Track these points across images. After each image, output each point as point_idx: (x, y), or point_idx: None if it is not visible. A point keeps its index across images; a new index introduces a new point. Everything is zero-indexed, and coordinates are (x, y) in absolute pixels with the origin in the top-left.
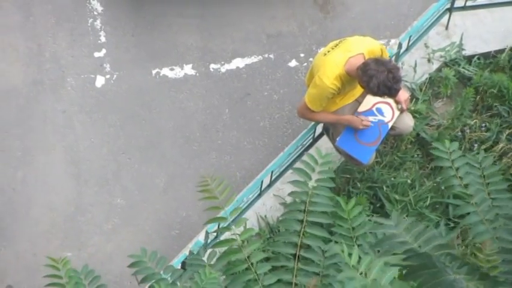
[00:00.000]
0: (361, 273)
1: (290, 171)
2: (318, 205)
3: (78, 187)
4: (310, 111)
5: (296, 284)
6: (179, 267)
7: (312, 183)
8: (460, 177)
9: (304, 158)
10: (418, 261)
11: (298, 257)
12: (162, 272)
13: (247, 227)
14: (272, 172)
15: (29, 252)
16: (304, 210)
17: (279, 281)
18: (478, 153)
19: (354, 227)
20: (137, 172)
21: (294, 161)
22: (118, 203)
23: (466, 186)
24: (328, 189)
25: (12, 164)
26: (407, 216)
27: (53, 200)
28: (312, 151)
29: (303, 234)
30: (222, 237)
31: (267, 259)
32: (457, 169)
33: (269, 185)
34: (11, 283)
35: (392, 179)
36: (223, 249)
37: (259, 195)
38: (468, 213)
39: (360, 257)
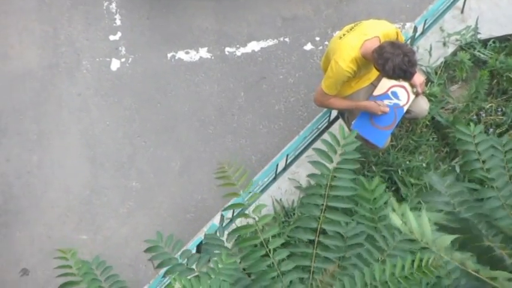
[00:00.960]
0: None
1: (305, 154)
2: (339, 189)
3: (93, 170)
4: (327, 96)
5: (314, 271)
6: (194, 250)
7: (333, 165)
8: (483, 160)
9: (326, 137)
10: (458, 224)
11: (316, 243)
12: (178, 257)
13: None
14: (287, 155)
15: (44, 236)
16: (325, 194)
17: (296, 267)
18: (499, 137)
19: (376, 208)
20: (152, 155)
21: (310, 145)
22: (133, 186)
23: (487, 170)
24: (352, 171)
25: (28, 147)
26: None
27: (69, 183)
28: (333, 131)
29: (322, 219)
30: (238, 222)
31: (283, 244)
32: (480, 153)
33: (284, 169)
34: (26, 266)
35: (408, 162)
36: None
37: (275, 179)
38: (489, 198)
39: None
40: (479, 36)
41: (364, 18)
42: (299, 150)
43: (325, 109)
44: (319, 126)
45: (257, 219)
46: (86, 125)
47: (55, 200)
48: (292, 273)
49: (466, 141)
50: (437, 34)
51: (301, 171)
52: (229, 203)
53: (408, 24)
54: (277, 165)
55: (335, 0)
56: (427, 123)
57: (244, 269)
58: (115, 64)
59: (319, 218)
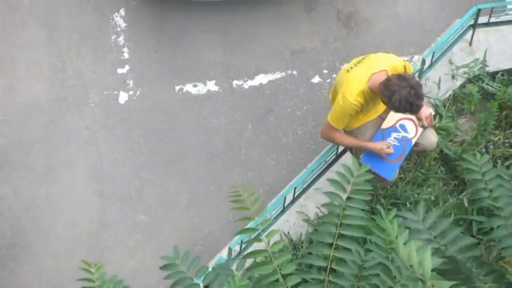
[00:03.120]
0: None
1: (313, 187)
2: (352, 218)
3: (101, 203)
4: (333, 130)
5: None
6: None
7: (346, 195)
8: (490, 190)
9: (340, 168)
10: (448, 265)
11: (329, 270)
12: (194, 277)
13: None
14: (295, 188)
15: (52, 269)
16: (338, 223)
17: None
18: (508, 168)
19: (390, 240)
20: (160, 188)
21: (317, 177)
22: (141, 219)
23: (495, 199)
24: (363, 202)
25: (36, 180)
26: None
27: (77, 217)
28: (347, 162)
29: (335, 247)
30: (250, 249)
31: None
32: (487, 182)
33: (292, 202)
34: None
35: (416, 195)
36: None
37: (282, 212)
38: (498, 227)
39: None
40: (487, 69)
41: (372, 51)
42: (307, 183)
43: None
44: (327, 159)
45: (270, 244)
46: (93, 159)
47: (63, 233)
48: None
49: (473, 171)
50: (445, 67)
51: (309, 204)
52: (243, 228)
53: (416, 57)
54: (285, 198)
55: (343, 33)
56: (436, 156)
57: None
58: (123, 97)
59: (333, 246)
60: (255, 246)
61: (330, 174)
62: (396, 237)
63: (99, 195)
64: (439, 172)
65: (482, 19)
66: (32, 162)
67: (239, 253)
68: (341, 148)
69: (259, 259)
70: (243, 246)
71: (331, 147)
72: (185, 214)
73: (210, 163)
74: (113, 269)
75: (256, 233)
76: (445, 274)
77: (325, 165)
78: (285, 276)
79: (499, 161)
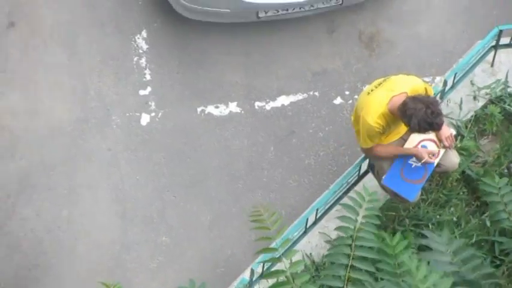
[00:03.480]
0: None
1: (335, 208)
2: (365, 240)
3: (123, 225)
4: (370, 149)
5: None
6: None
7: (359, 219)
8: (509, 211)
9: (352, 194)
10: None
11: None
12: None
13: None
14: (317, 210)
15: None
16: (351, 245)
17: None
18: None
19: (399, 263)
20: (182, 210)
21: (340, 199)
22: (163, 241)
23: None
24: (374, 225)
25: (58, 202)
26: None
27: (99, 238)
28: (358, 188)
29: (350, 267)
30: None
31: None
32: (506, 204)
33: (314, 223)
34: None
35: (438, 216)
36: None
37: (305, 233)
38: None
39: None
40: (509, 89)
41: (394, 72)
42: (329, 205)
43: (355, 163)
44: (349, 180)
45: (289, 264)
46: (115, 180)
47: (85, 255)
48: None
49: (492, 193)
50: (467, 88)
51: (331, 225)
52: (264, 248)
53: (438, 78)
54: (307, 219)
55: (365, 54)
56: (458, 177)
57: None
58: (145, 119)
59: (348, 267)
60: (278, 267)
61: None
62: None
63: (121, 217)
64: (461, 193)
65: (504, 40)
66: (54, 184)
67: (261, 275)
68: (363, 169)
69: (280, 279)
70: (265, 267)
71: (353, 168)
72: (207, 236)
73: (232, 185)
74: None
75: (276, 252)
76: None
77: (347, 187)
78: None
79: None
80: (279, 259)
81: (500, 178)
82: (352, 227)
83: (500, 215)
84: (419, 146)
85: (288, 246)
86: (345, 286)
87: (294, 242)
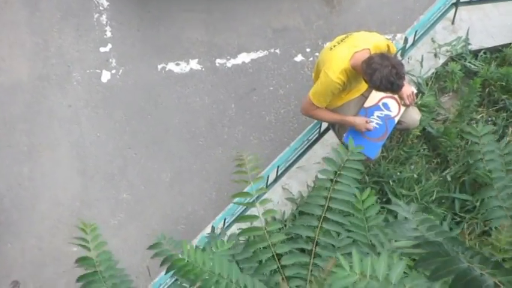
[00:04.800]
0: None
1: (296, 165)
2: (341, 193)
3: (84, 182)
4: (314, 107)
5: (314, 265)
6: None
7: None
8: (486, 161)
9: (337, 148)
10: (430, 249)
11: (316, 241)
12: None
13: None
14: (278, 167)
15: (35, 248)
16: (327, 196)
17: (295, 263)
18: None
19: (367, 218)
20: (143, 167)
21: (300, 156)
22: (124, 198)
23: (490, 171)
24: (354, 180)
25: (19, 159)
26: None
27: (59, 195)
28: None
29: (323, 219)
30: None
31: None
32: (484, 153)
33: (275, 180)
34: (17, 278)
35: (399, 173)
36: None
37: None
38: (489, 198)
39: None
40: (470, 47)
41: (355, 29)
42: (290, 162)
43: (315, 120)
44: (310, 138)
45: (262, 211)
46: (76, 137)
47: (46, 212)
48: (291, 268)
49: (472, 142)
50: (428, 45)
51: (292, 182)
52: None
53: (399, 36)
54: (268, 176)
55: (326, 11)
56: (418, 134)
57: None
58: (105, 76)
59: (321, 218)
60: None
61: (312, 153)
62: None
63: (82, 174)
64: (422, 150)
65: None
66: (14, 141)
67: (224, 227)
68: (324, 126)
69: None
70: (226, 225)
71: (314, 125)
72: (168, 193)
73: (192, 142)
74: None
75: (250, 197)
76: (428, 258)
77: (308, 144)
78: (273, 245)
79: None
80: (253, 204)
81: (481, 125)
82: (330, 179)
83: (478, 164)
84: (380, 104)
85: (255, 197)
86: (316, 236)
87: (255, 199)
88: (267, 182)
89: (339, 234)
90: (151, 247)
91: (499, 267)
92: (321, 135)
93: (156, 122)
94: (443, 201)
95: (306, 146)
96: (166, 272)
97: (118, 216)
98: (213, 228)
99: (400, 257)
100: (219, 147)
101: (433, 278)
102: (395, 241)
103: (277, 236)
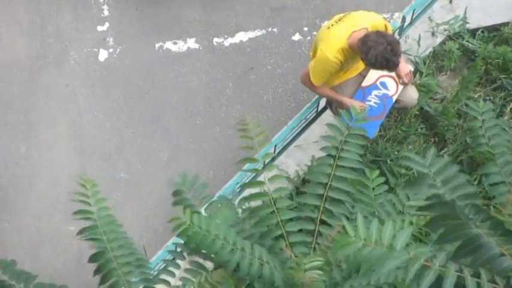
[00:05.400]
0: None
1: (294, 144)
2: (348, 161)
3: (81, 161)
4: (311, 83)
5: (319, 234)
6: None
7: (343, 139)
8: (488, 137)
9: (341, 112)
10: (442, 211)
11: (322, 208)
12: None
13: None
14: (275, 146)
15: (32, 227)
16: (333, 164)
17: (300, 230)
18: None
19: (375, 196)
20: (140, 146)
21: (298, 135)
22: (121, 177)
23: (492, 147)
24: (359, 146)
25: (16, 138)
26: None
27: (57, 174)
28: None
29: (329, 188)
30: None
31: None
32: (486, 129)
33: (272, 159)
34: (13, 257)
35: (396, 152)
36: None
37: (263, 169)
38: (490, 174)
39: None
40: (467, 26)
41: (353, 8)
42: (287, 141)
43: (313, 100)
44: (308, 117)
45: (268, 177)
46: (73, 116)
47: (43, 191)
48: (296, 235)
49: (474, 118)
50: (425, 24)
51: (290, 161)
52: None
53: (397, 14)
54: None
55: None
56: (416, 113)
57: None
58: (103, 55)
59: (327, 186)
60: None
61: (309, 132)
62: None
63: (79, 153)
64: (420, 129)
65: None
66: (11, 119)
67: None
68: (321, 105)
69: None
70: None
71: (312, 104)
72: (165, 172)
73: (190, 121)
74: None
75: (258, 163)
76: (439, 220)
77: (305, 123)
78: (279, 211)
79: None
80: (260, 170)
81: (482, 101)
82: (336, 146)
83: (479, 140)
84: (378, 83)
85: (250, 178)
86: (322, 204)
87: (252, 178)
88: (264, 161)
89: (343, 202)
90: (174, 194)
91: (508, 235)
92: (319, 114)
93: (153, 101)
94: None
95: (303, 125)
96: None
97: (115, 195)
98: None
99: (411, 219)
100: (216, 126)
101: (440, 241)
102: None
103: (282, 201)
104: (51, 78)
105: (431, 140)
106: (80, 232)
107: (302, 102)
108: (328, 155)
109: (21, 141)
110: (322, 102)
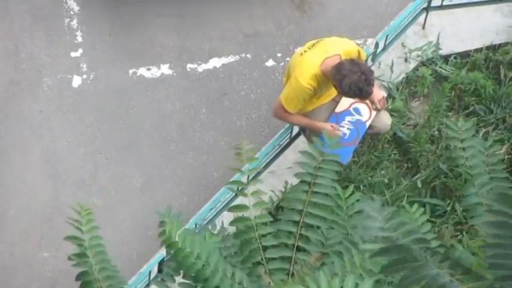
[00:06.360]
0: None
1: (267, 170)
2: (322, 187)
3: (55, 187)
4: (285, 111)
5: (296, 262)
6: (156, 268)
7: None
8: (466, 157)
9: (314, 139)
10: (399, 254)
11: (298, 235)
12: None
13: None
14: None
15: (6, 253)
16: (308, 191)
17: (279, 257)
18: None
19: (350, 216)
20: (114, 172)
21: (271, 161)
22: (95, 203)
23: (470, 167)
24: (334, 172)
25: None
26: None
27: (30, 200)
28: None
29: (305, 213)
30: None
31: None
32: (464, 149)
33: (254, 176)
34: None
35: (370, 178)
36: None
37: (236, 195)
38: (469, 195)
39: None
40: (440, 52)
41: (326, 34)
42: (261, 167)
43: (287, 125)
44: (281, 143)
45: (252, 202)
46: (47, 142)
47: (17, 217)
48: (275, 261)
49: (453, 137)
50: (398, 50)
51: (263, 187)
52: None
53: (370, 40)
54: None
55: (297, 16)
56: (389, 138)
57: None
58: (76, 81)
59: (302, 212)
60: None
61: (283, 158)
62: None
63: (53, 179)
64: (393, 155)
65: (436, 2)
66: None
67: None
68: (295, 131)
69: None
70: (197, 230)
71: (285, 130)
72: (139, 198)
73: (164, 147)
74: (67, 253)
75: (243, 187)
76: (396, 264)
77: (279, 149)
78: (260, 237)
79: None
80: (244, 194)
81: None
82: (310, 173)
83: (458, 160)
84: (351, 108)
85: (222, 206)
86: (298, 231)
87: (226, 204)
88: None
89: (319, 227)
90: (160, 225)
91: (468, 273)
92: (292, 140)
93: (127, 126)
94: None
95: (277, 151)
96: (167, 251)
97: None
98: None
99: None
100: (190, 151)
101: (401, 286)
102: (363, 242)
103: (264, 228)
104: (24, 105)
105: (404, 166)
106: (70, 258)
107: (276, 128)
108: (302, 181)
109: None
110: (296, 128)
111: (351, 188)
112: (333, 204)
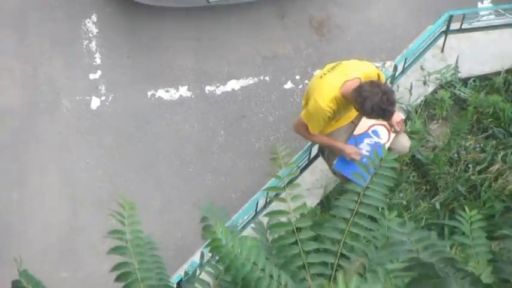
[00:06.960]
0: None
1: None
2: (372, 199)
3: (73, 208)
4: (307, 129)
5: (338, 267)
6: None
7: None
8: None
9: (315, 172)
10: (422, 271)
11: (343, 243)
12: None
13: None
14: (267, 193)
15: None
16: (357, 201)
17: (321, 262)
18: (473, 175)
19: (388, 237)
20: (132, 194)
21: (290, 183)
22: (113, 224)
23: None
24: (385, 186)
25: (8, 185)
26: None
27: (49, 221)
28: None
29: (351, 223)
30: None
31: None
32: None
33: (265, 206)
34: None
35: (388, 200)
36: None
37: (255, 216)
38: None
39: None
40: (459, 74)
41: (345, 57)
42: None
43: (305, 147)
44: (300, 164)
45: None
46: (66, 163)
47: (35, 237)
48: (317, 266)
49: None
50: (417, 73)
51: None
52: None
53: (388, 63)
54: (257, 202)
55: (315, 39)
56: (408, 161)
57: None
58: (95, 103)
59: (349, 221)
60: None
61: (301, 179)
62: None
63: (71, 200)
64: (411, 177)
65: (454, 25)
66: (4, 167)
67: (212, 256)
68: (313, 153)
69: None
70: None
71: (304, 152)
72: (157, 219)
73: (182, 169)
74: (86, 273)
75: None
76: (420, 280)
77: (298, 171)
78: (301, 241)
79: (470, 165)
80: (282, 199)
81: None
82: (362, 185)
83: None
84: (370, 131)
85: (244, 223)
86: (343, 239)
87: (245, 225)
88: (257, 208)
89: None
90: (202, 220)
91: None
92: (311, 161)
93: (145, 148)
94: (432, 228)
95: (296, 173)
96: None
97: (107, 241)
98: (202, 254)
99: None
100: (208, 173)
101: None
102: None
103: (305, 233)
104: (43, 126)
105: (422, 188)
106: (112, 250)
107: (294, 150)
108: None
109: (13, 188)
110: (314, 150)
111: (394, 212)
112: (380, 217)
